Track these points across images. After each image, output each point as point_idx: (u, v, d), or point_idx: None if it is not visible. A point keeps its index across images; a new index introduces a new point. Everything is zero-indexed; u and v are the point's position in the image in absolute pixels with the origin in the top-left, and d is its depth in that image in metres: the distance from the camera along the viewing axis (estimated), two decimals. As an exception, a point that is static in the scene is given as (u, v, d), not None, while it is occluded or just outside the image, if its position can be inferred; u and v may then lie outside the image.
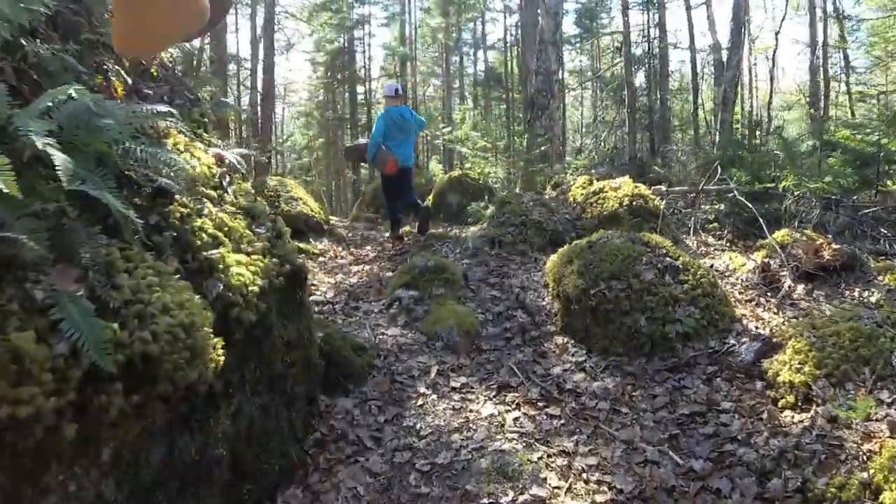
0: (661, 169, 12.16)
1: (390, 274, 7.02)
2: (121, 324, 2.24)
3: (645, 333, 4.68)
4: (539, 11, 15.23)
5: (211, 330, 2.65)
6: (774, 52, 24.02)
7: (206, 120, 4.40)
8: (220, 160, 3.76)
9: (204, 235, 3.05)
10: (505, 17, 31.25)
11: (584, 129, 32.63)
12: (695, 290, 4.87)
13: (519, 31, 26.34)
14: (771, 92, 23.87)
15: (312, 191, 27.95)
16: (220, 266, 3.00)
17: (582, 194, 9.23)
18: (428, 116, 24.21)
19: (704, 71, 23.40)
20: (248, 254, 3.27)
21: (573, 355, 4.82)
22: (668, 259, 5.09)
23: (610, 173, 10.42)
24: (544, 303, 5.69)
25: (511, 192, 10.36)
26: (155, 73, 4.25)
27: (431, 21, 31.06)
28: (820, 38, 23.26)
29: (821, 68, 23.23)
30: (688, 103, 27.04)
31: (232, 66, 26.16)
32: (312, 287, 6.75)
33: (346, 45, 29.00)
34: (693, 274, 5.00)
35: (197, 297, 2.71)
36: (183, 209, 3.03)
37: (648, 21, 20.67)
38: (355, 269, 7.79)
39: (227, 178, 3.69)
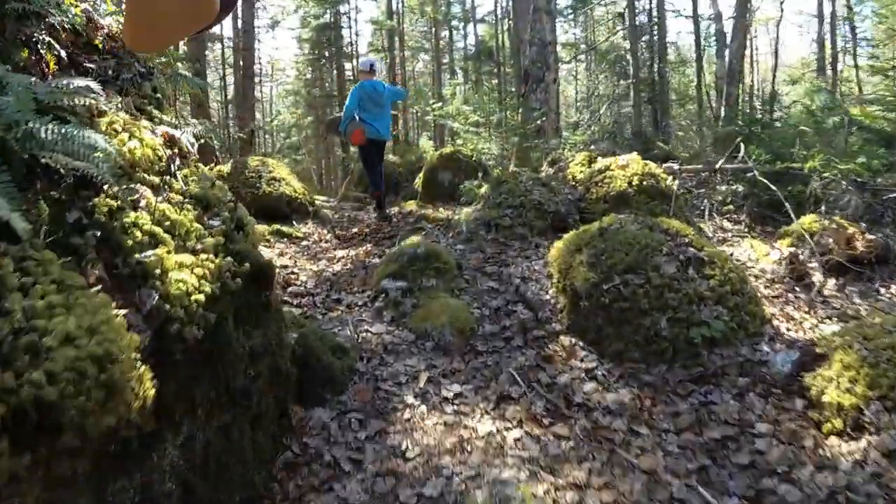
0: (666, 145, 11.54)
1: (377, 260, 6.44)
2: (5, 362, 1.68)
3: (666, 337, 4.06)
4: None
5: (137, 356, 2.08)
6: (779, 23, 23.46)
7: (160, 95, 3.79)
8: (169, 141, 3.16)
9: (138, 233, 2.46)
10: (495, -11, 30.60)
11: (578, 104, 32.02)
12: (722, 287, 4.26)
13: (509, 3, 25.73)
14: (776, 64, 23.34)
15: (302, 169, 27.45)
16: (157, 271, 2.41)
17: (582, 171, 8.69)
18: (417, 92, 23.59)
19: (704, 43, 22.77)
20: (195, 252, 2.67)
21: (582, 360, 4.22)
22: (691, 250, 4.48)
23: (612, 150, 9.81)
24: (548, 296, 5.08)
25: (507, 170, 9.78)
26: (100, 45, 3.66)
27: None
28: (827, 9, 22.63)
29: (827, 40, 22.62)
30: (685, 76, 26.47)
31: (218, 46, 25.54)
32: (292, 276, 6.19)
33: (331, 20, 28.23)
34: (720, 268, 4.39)
35: (124, 311, 2.15)
36: (113, 202, 2.45)
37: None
38: (340, 254, 7.21)
39: (177, 162, 3.09)
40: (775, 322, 4.65)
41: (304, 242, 8.08)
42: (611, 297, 4.26)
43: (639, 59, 18.77)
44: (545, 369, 4.13)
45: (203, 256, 2.67)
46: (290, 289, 5.75)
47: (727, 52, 17.56)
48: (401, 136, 25.51)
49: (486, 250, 6.16)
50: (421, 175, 12.31)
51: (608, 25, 29.48)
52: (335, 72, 29.23)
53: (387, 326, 4.74)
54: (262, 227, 8.18)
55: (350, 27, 30.63)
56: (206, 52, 24.59)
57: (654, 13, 19.83)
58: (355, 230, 8.79)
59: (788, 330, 4.63)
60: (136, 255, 2.39)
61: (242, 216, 3.22)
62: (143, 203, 2.61)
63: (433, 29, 30.87)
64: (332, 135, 14.07)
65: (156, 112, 3.54)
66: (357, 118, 8.85)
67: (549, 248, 5.73)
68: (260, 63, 29.12)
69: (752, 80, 25.50)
